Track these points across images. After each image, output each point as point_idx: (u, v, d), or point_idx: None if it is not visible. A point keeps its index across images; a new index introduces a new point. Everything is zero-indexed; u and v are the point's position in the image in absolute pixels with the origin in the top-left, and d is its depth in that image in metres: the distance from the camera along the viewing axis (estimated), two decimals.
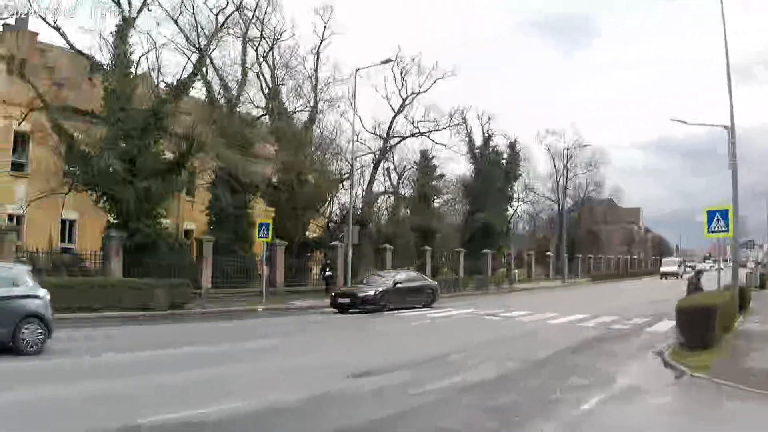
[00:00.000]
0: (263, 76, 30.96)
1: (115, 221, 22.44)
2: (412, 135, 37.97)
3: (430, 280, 27.25)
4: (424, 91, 36.29)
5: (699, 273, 23.32)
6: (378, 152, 37.01)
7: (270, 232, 22.82)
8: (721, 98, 19.51)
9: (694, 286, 20.01)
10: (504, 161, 55.00)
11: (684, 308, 12.30)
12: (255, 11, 28.32)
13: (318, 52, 32.61)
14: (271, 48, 30.88)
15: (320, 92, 32.71)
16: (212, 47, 26.15)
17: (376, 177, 37.96)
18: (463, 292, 33.60)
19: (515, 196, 56.45)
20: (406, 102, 36.52)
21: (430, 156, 52.55)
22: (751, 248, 50.24)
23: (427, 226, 44.74)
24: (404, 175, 51.98)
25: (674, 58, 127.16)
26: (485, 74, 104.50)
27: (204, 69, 27.72)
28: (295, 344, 14.06)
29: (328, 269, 27.76)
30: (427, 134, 38.23)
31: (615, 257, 66.20)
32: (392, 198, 48.45)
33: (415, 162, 52.48)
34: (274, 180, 32.44)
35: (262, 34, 30.24)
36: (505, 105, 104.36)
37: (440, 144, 40.17)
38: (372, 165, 37.07)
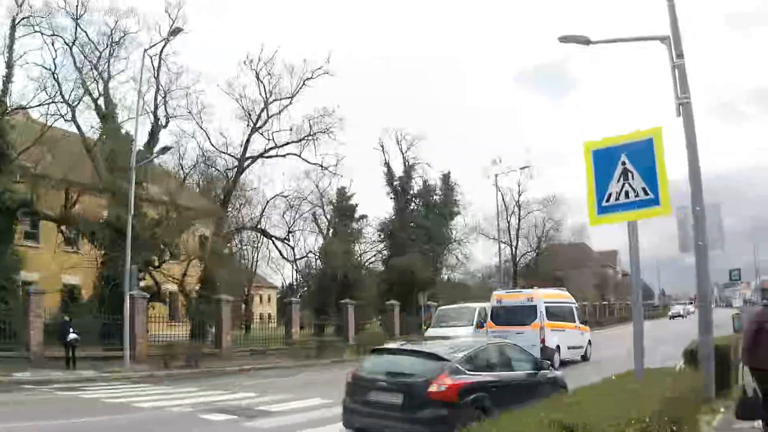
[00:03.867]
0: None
1: None
2: (267, 152, 29.76)
3: None
4: (292, 96, 28.66)
5: None
6: (233, 172, 28.98)
7: None
8: None
9: None
10: (436, 197, 46.88)
11: None
12: None
13: (160, 55, 26.53)
14: (101, 53, 25.67)
15: (161, 102, 26.35)
16: None
17: (229, 209, 29.45)
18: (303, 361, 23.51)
19: (453, 237, 47.73)
20: (269, 112, 28.80)
21: (348, 194, 45.25)
22: (737, 280, 41.39)
23: (344, 276, 36.99)
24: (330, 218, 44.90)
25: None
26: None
27: None
28: None
29: (71, 330, 18.15)
30: (296, 152, 30.03)
31: (581, 304, 57.03)
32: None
33: (331, 202, 45.28)
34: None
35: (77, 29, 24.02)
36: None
37: (315, 164, 32.33)
38: (222, 192, 28.83)
